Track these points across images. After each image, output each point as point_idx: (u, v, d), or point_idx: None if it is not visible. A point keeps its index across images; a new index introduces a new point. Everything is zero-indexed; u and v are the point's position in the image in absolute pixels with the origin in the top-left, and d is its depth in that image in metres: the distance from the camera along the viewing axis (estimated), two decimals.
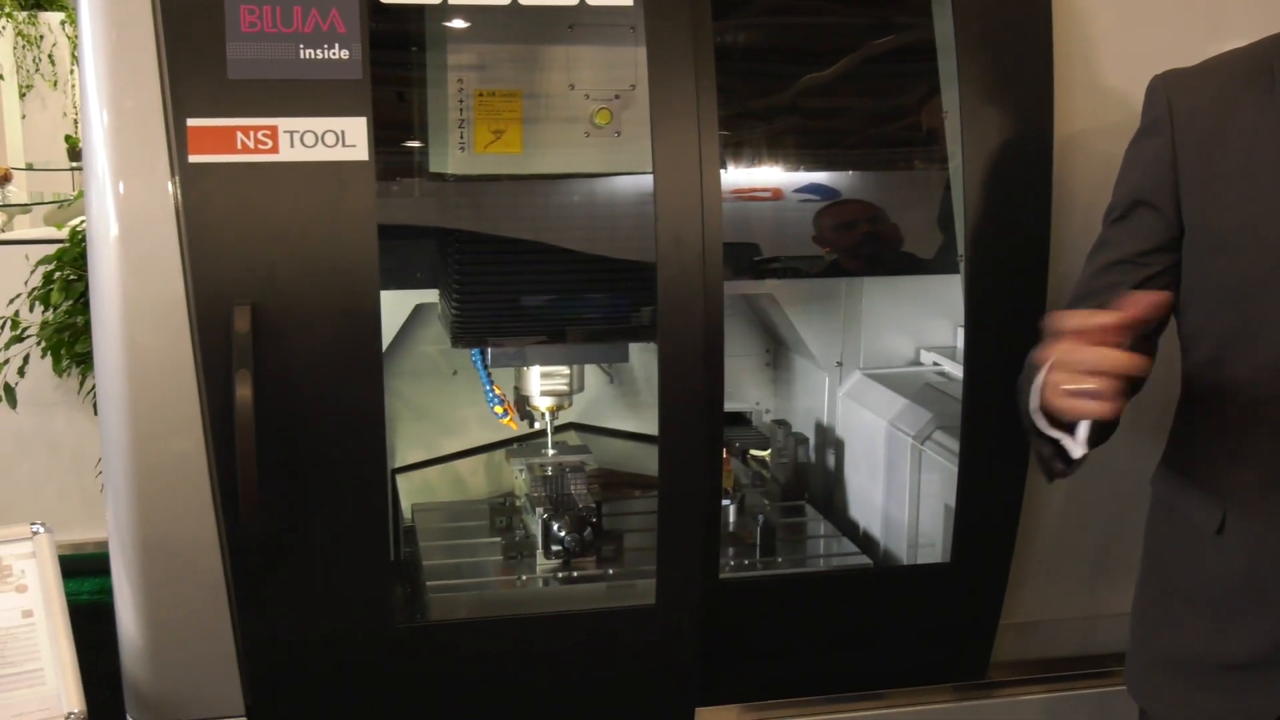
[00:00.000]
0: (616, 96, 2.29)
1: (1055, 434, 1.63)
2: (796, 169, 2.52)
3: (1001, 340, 2.16)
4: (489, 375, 2.62)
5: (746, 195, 2.49)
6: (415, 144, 2.34)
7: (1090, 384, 1.49)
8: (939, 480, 2.54)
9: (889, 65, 2.53)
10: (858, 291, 2.84)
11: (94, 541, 3.87)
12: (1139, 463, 1.98)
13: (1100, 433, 1.61)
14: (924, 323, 2.85)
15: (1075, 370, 1.51)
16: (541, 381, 2.55)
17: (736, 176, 2.46)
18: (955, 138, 2.25)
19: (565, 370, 2.56)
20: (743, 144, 2.47)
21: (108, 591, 2.15)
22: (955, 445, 2.38)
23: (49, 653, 1.94)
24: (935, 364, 2.81)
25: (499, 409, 2.65)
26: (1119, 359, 1.48)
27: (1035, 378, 1.62)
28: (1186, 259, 1.73)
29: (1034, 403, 1.64)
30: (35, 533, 2.04)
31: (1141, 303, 1.51)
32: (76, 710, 1.90)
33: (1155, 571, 1.87)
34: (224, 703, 2.14)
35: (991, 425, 2.25)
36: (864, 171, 2.57)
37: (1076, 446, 1.61)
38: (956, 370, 2.64)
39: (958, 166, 2.25)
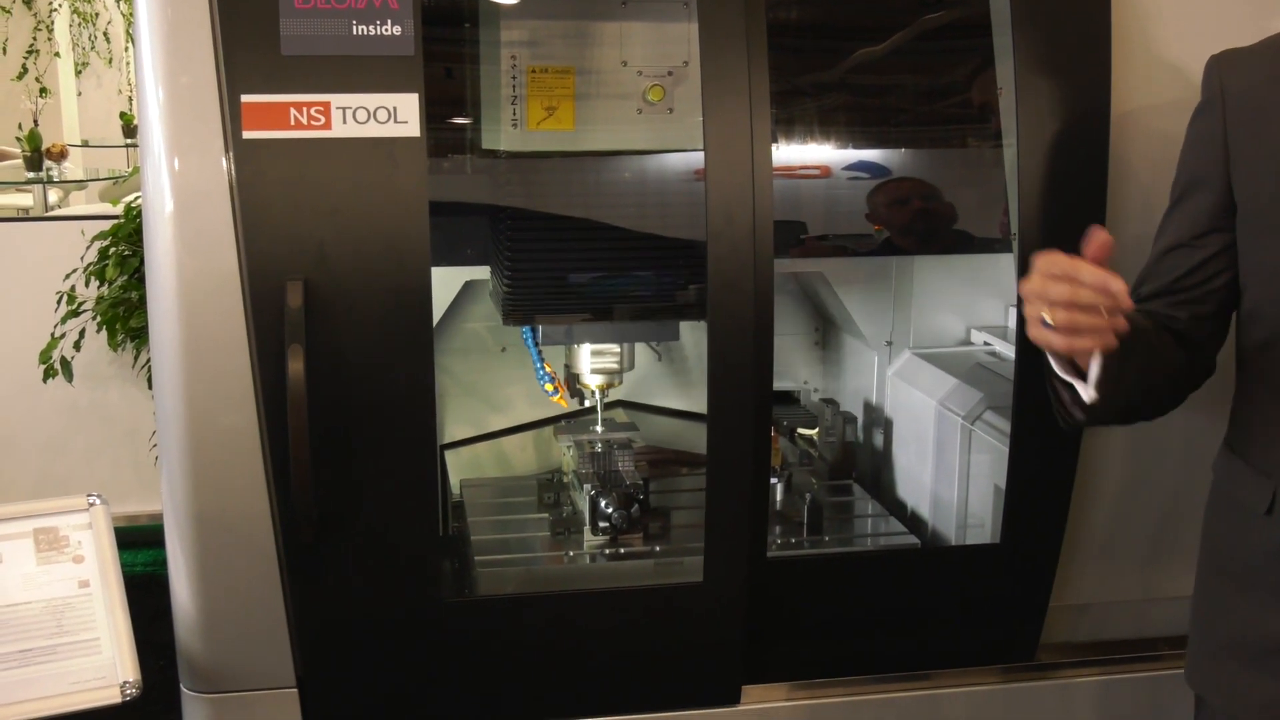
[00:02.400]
0: (669, 73, 2.28)
1: (1068, 377, 1.65)
2: (847, 146, 2.50)
3: None
4: (540, 353, 2.62)
5: (796, 173, 2.47)
6: (467, 120, 2.34)
7: (1048, 314, 1.52)
8: (989, 461, 2.51)
9: (943, 40, 2.50)
10: (908, 270, 2.82)
11: (148, 514, 3.93)
12: (1198, 443, 1.95)
13: (1117, 380, 1.61)
14: (975, 302, 2.82)
15: (1041, 300, 1.54)
16: (592, 359, 2.55)
17: (787, 153, 2.44)
18: (1010, 114, 2.22)
19: (616, 348, 2.55)
20: (794, 121, 2.45)
21: (161, 563, 2.18)
22: (1006, 426, 2.36)
23: (105, 623, 1.97)
24: (986, 344, 2.79)
25: (549, 387, 2.65)
26: (1069, 288, 1.51)
27: None
28: (1240, 239, 1.74)
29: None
30: (91, 504, 2.06)
31: (1093, 242, 1.54)
32: (131, 679, 1.92)
33: (1210, 554, 1.85)
34: (275, 674, 2.16)
35: (1043, 405, 2.22)
36: (916, 149, 2.54)
37: (1086, 390, 1.62)
38: (1008, 350, 2.61)
39: (1012, 144, 2.22)
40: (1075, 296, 1.51)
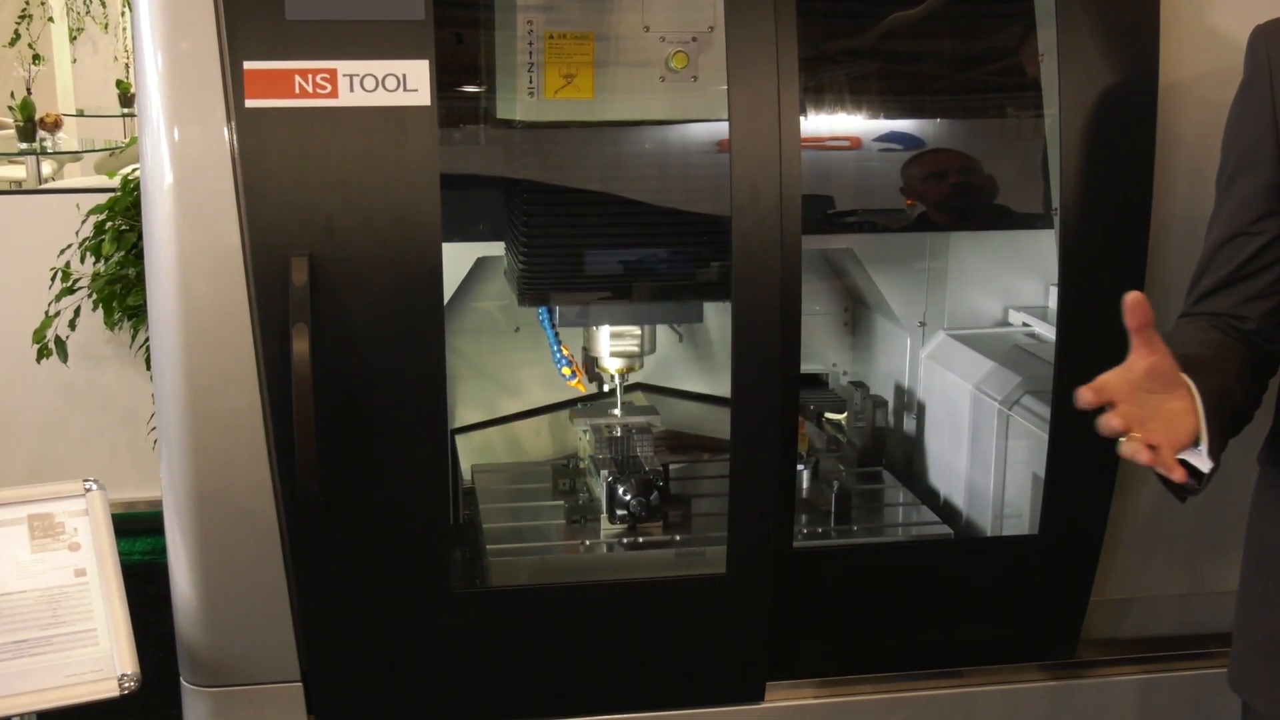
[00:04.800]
0: (693, 39, 2.27)
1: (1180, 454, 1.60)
2: (879, 116, 2.49)
3: (1098, 300, 2.13)
4: (556, 335, 2.61)
5: (826, 144, 2.46)
6: (480, 89, 2.33)
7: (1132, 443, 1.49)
8: (1027, 447, 2.51)
9: (981, 3, 2.48)
10: (943, 247, 2.81)
11: (146, 500, 3.94)
12: (1246, 432, 1.94)
13: (1222, 440, 1.59)
14: (1013, 281, 2.81)
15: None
16: (611, 342, 2.55)
17: (816, 124, 2.43)
18: (1051, 82, 2.21)
19: (636, 330, 2.55)
20: (823, 89, 2.44)
21: (160, 552, 2.19)
22: (1045, 411, 2.35)
23: (102, 613, 1.98)
24: (1025, 324, 2.77)
25: (566, 371, 2.65)
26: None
27: None
28: None
29: None
30: (88, 489, 2.08)
31: (1134, 310, 1.49)
32: (129, 672, 1.94)
33: (1254, 548, 1.84)
34: (279, 666, 2.18)
35: None
36: (952, 119, 2.53)
37: (1203, 461, 1.59)
38: (1048, 331, 2.60)
39: (1054, 113, 2.21)
40: (1127, 418, 1.48)
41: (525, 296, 2.40)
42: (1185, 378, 1.55)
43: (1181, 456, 1.60)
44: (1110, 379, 1.50)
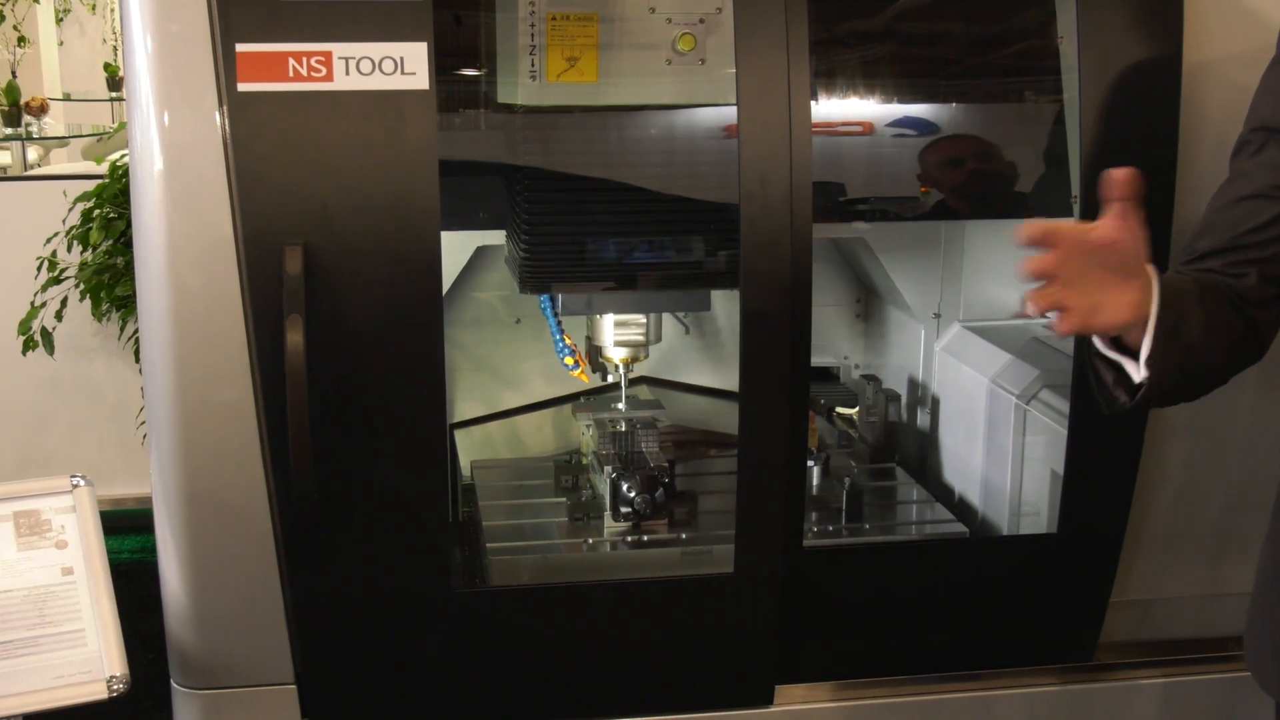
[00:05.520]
0: (701, 20, 2.26)
1: (1114, 355, 1.59)
2: (893, 100, 2.48)
3: None
4: (559, 324, 2.61)
5: (837, 130, 2.46)
6: (480, 72, 2.33)
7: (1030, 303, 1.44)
8: (1045, 443, 2.51)
9: None
10: (959, 236, 2.81)
11: (135, 497, 3.95)
12: (1272, 425, 1.93)
13: (1167, 355, 1.54)
14: None
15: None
16: (615, 331, 2.55)
17: (827, 108, 2.43)
18: (1072, 64, 2.20)
19: (641, 319, 2.55)
20: (835, 73, 2.43)
21: (149, 550, 2.19)
22: (1064, 406, 2.34)
23: (90, 613, 1.98)
24: (1043, 316, 2.77)
25: (569, 360, 2.65)
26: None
27: None
28: None
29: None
30: (75, 485, 2.08)
31: (1114, 184, 1.46)
32: (118, 673, 1.94)
33: (1274, 543, 1.83)
34: (272, 669, 2.18)
35: None
36: (968, 104, 2.53)
37: (1138, 370, 1.55)
38: None
39: (1073, 97, 2.20)
40: (1058, 268, 1.43)
41: (527, 284, 2.40)
42: (1150, 269, 1.50)
43: (1115, 358, 1.57)
44: (1064, 226, 1.43)
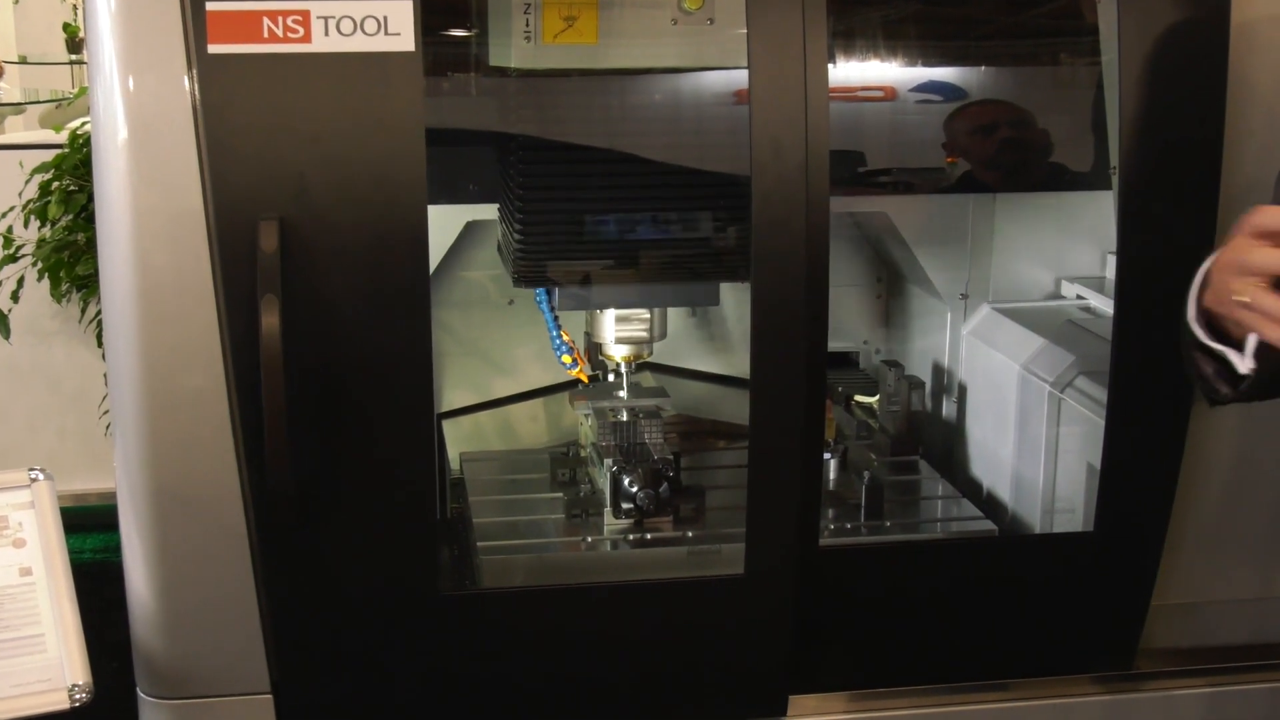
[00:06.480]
0: None
1: (1218, 347, 1.59)
2: (916, 63, 2.48)
3: (1161, 269, 2.12)
4: (556, 319, 2.61)
5: (856, 95, 2.46)
6: (471, 32, 2.33)
7: (1245, 293, 1.45)
8: (1081, 435, 2.51)
9: None
10: (988, 211, 2.80)
11: (97, 492, 3.94)
12: None
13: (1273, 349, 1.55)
14: (1066, 248, 2.81)
15: (1247, 273, 1.46)
16: (617, 327, 2.54)
17: (845, 72, 2.43)
18: (1111, 24, 2.20)
19: (644, 314, 2.55)
20: (854, 33, 2.43)
21: (113, 549, 2.19)
22: (1102, 394, 2.35)
23: (50, 617, 1.99)
24: (1079, 297, 2.78)
25: (567, 359, 2.64)
26: None
27: (1195, 279, 1.57)
28: None
29: (1192, 310, 1.60)
30: (34, 479, 2.08)
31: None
32: (81, 682, 1.94)
33: None
34: (247, 677, 2.18)
35: (1147, 371, 2.22)
36: (997, 67, 2.53)
37: (1243, 361, 1.55)
38: (1105, 305, 2.60)
39: (1112, 59, 2.20)
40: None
41: (521, 275, 2.39)
42: None
43: (1219, 350, 1.58)
44: None
